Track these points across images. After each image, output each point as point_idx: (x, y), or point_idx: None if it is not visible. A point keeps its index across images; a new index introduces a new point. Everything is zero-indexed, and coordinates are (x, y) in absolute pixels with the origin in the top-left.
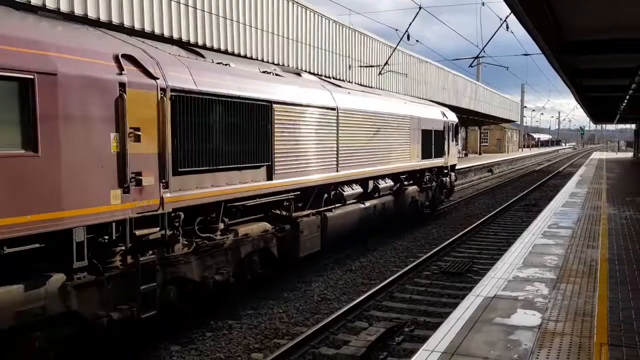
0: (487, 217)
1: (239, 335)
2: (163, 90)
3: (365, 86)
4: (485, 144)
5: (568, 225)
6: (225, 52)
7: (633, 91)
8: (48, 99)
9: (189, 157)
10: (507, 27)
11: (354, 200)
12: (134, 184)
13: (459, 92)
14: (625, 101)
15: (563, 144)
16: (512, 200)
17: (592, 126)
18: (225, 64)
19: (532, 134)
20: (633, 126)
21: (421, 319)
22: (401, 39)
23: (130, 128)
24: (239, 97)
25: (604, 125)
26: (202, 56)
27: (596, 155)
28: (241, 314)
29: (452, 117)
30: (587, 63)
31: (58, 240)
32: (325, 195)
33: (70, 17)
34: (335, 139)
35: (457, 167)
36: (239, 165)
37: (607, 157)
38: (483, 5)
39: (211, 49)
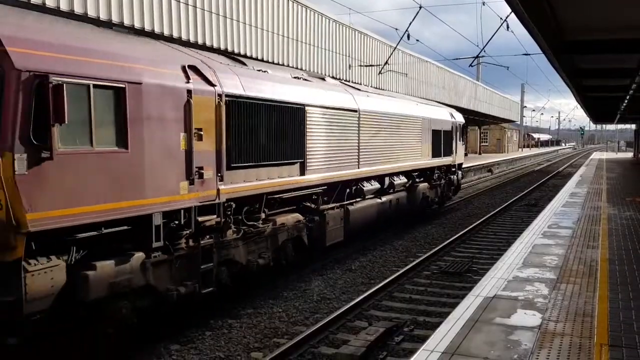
0: (486, 216)
1: (239, 334)
2: (219, 95)
3: (367, 86)
4: (485, 143)
5: (568, 225)
6: (225, 51)
7: (633, 91)
8: (135, 104)
9: (239, 154)
10: (508, 27)
11: (372, 195)
12: (197, 177)
13: (458, 91)
14: (626, 101)
15: (563, 144)
16: (512, 200)
17: (592, 126)
18: (264, 71)
19: (532, 134)
20: (633, 126)
21: (421, 319)
22: (401, 38)
23: (195, 129)
24: (278, 101)
25: (604, 126)
26: (245, 64)
27: (596, 155)
28: (241, 313)
29: (459, 118)
30: (587, 63)
31: (140, 224)
32: (348, 190)
33: (70, 16)
34: (357, 138)
35: None
36: (277, 162)
37: (607, 157)
38: (484, 4)
39: (211, 48)
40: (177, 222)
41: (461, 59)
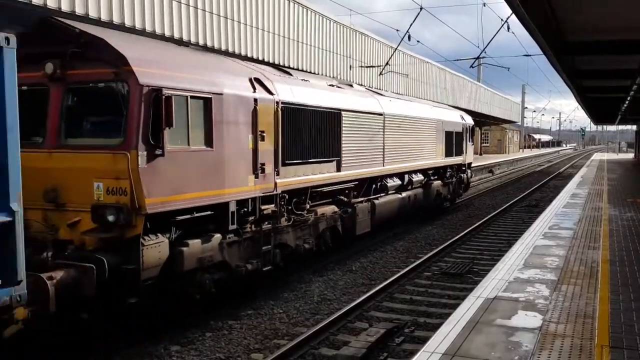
0: (487, 217)
1: (239, 335)
2: (277, 103)
3: (368, 87)
4: (486, 144)
5: (569, 226)
6: (226, 51)
7: (634, 92)
8: (217, 111)
9: (290, 152)
10: (508, 28)
11: (394, 191)
12: (261, 172)
13: (459, 92)
14: (627, 102)
15: (564, 145)
16: (512, 201)
17: (593, 127)
18: (306, 80)
19: (533, 135)
20: (634, 127)
21: (421, 320)
22: (402, 39)
23: (259, 131)
24: (319, 107)
25: (604, 126)
26: (290, 74)
27: (597, 156)
28: (241, 314)
29: (469, 120)
30: (587, 64)
31: (219, 210)
32: (373, 186)
33: (70, 17)
34: (382, 139)
35: None
36: (319, 160)
37: (608, 158)
38: (484, 5)
39: (212, 49)
40: (245, 209)
41: (462, 60)
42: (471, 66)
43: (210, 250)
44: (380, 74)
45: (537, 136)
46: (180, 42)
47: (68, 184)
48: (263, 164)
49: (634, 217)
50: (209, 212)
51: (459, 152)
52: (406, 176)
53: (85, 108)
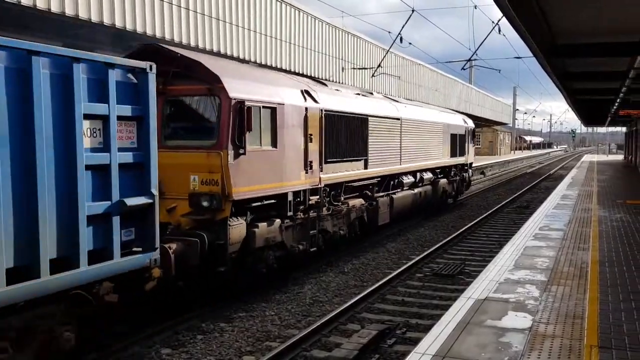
0: (479, 219)
1: (231, 338)
2: (321, 110)
3: (361, 88)
4: (478, 146)
5: (559, 228)
6: (218, 53)
7: (623, 94)
8: (280, 118)
9: (330, 152)
10: (499, 30)
11: (407, 188)
12: (309, 168)
13: (451, 94)
14: (616, 104)
15: (555, 147)
16: (503, 202)
17: (584, 129)
18: (338, 90)
19: (524, 137)
20: (624, 129)
21: (413, 321)
22: (394, 41)
23: (309, 134)
24: (351, 113)
25: (595, 128)
26: (326, 85)
27: (587, 157)
28: (233, 316)
29: (471, 123)
30: (578, 66)
31: (279, 199)
32: (392, 182)
33: (61, 17)
34: (399, 140)
35: None
36: (351, 159)
37: (598, 159)
38: (475, 8)
39: (203, 50)
40: (298, 199)
41: (454, 62)
42: (462, 68)
43: (273, 232)
44: (373, 75)
45: (528, 138)
46: (172, 44)
47: (168, 178)
48: (311, 162)
49: (624, 218)
50: (272, 201)
51: (462, 153)
52: (418, 174)
53: (182, 116)
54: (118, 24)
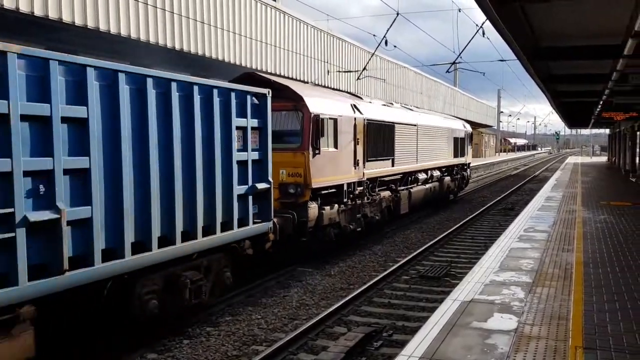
0: (464, 221)
1: (217, 342)
2: (364, 119)
3: (346, 91)
4: None
5: (544, 229)
6: (203, 56)
7: (607, 96)
8: (339, 126)
9: (370, 153)
10: (483, 34)
11: (421, 183)
12: (357, 165)
13: (436, 97)
14: (599, 106)
15: (539, 149)
16: (489, 204)
17: (568, 131)
18: (371, 102)
19: (509, 139)
20: (607, 131)
21: (400, 324)
22: (379, 44)
23: (357, 138)
24: (383, 121)
25: (578, 130)
26: (361, 98)
27: (571, 159)
28: (219, 320)
29: (469, 128)
30: (561, 69)
31: (337, 189)
32: (409, 178)
33: (43, 21)
34: (416, 143)
35: None
36: (383, 158)
37: (582, 161)
38: (459, 11)
39: (189, 54)
40: (349, 189)
41: (438, 65)
42: (447, 71)
43: (334, 214)
44: (358, 78)
45: (512, 140)
46: (156, 48)
47: None
48: (358, 160)
49: (607, 219)
50: (333, 190)
51: (462, 154)
52: (429, 172)
53: (274, 125)
54: (102, 27)
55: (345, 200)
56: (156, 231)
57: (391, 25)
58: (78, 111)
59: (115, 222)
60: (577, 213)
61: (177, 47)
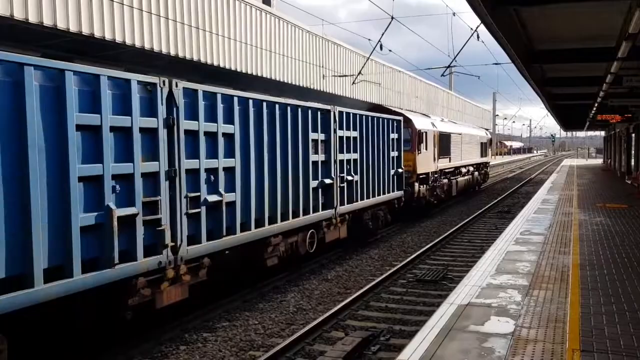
0: (461, 224)
1: (214, 348)
2: (438, 131)
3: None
4: None
5: (540, 232)
6: (198, 62)
7: (601, 99)
8: (428, 136)
9: (440, 153)
10: (478, 37)
11: (462, 175)
12: (434, 161)
13: (431, 101)
14: (594, 109)
15: (535, 152)
16: (485, 208)
17: (563, 133)
18: (440, 119)
19: (504, 142)
20: (602, 133)
21: (397, 328)
22: (374, 48)
23: (434, 143)
24: (445, 132)
25: (574, 133)
26: (429, 116)
27: (567, 162)
28: (216, 326)
29: (489, 134)
30: (555, 71)
31: (426, 176)
32: (456, 171)
33: (38, 27)
34: (461, 146)
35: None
36: (445, 156)
37: (578, 163)
38: (454, 15)
39: (183, 60)
40: (431, 176)
41: (433, 68)
42: (442, 75)
43: (425, 191)
44: (354, 83)
45: (508, 143)
46: (151, 54)
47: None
48: (435, 157)
49: (603, 221)
50: (424, 176)
51: (485, 155)
52: (467, 167)
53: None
54: (97, 34)
55: (430, 183)
56: (274, 210)
57: (386, 29)
58: (229, 129)
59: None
60: (573, 215)
61: (172, 53)
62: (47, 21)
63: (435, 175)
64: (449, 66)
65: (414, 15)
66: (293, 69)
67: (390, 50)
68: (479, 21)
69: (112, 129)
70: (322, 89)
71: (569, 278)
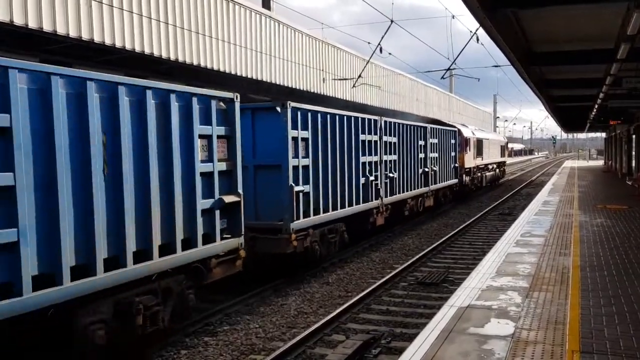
0: (462, 226)
1: (215, 352)
2: (475, 138)
3: (341, 99)
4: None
5: (541, 234)
6: (198, 66)
7: (601, 100)
8: (470, 141)
9: (476, 154)
10: (478, 39)
11: (488, 171)
12: (473, 159)
13: (432, 103)
14: (594, 110)
15: (536, 153)
16: (486, 210)
17: (564, 135)
18: (475, 128)
19: None
20: (603, 134)
21: (398, 331)
22: (374, 51)
23: (472, 147)
24: (479, 138)
25: (575, 134)
26: (467, 126)
27: (568, 163)
28: (217, 330)
29: (505, 139)
30: (555, 73)
31: (470, 169)
32: (484, 167)
33: (38, 32)
34: (489, 148)
35: None
36: (478, 156)
37: (579, 165)
38: (453, 18)
39: (183, 64)
40: (471, 170)
41: (433, 71)
42: (442, 77)
43: (468, 180)
44: (354, 86)
45: (509, 145)
46: (150, 58)
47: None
48: (474, 157)
49: (604, 223)
50: (468, 170)
51: (503, 155)
52: (492, 165)
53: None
54: (97, 39)
55: (471, 175)
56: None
57: (385, 32)
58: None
59: None
60: (573, 217)
61: (172, 57)
62: (46, 27)
63: (474, 170)
64: (449, 69)
65: (413, 19)
66: (293, 72)
67: (390, 54)
68: (478, 24)
69: (218, 137)
70: (322, 93)
71: (569, 280)
